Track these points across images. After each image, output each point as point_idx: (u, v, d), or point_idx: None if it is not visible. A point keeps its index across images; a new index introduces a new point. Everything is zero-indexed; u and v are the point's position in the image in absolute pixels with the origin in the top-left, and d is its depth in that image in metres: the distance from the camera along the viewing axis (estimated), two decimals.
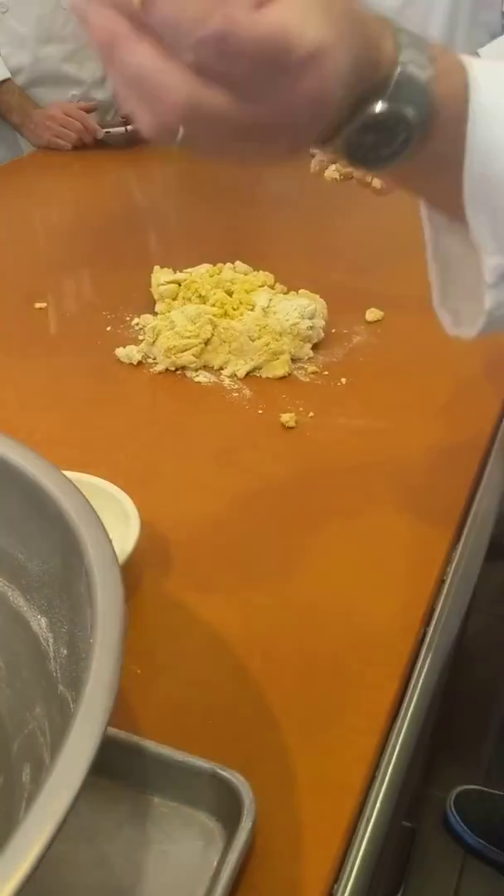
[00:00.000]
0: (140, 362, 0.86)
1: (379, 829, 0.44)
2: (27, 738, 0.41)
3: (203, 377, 0.83)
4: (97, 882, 0.42)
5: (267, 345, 0.82)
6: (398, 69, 0.37)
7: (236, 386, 0.82)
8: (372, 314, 0.92)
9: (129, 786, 0.45)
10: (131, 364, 0.86)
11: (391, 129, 0.38)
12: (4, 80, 1.66)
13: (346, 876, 0.42)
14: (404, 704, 0.51)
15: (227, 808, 0.43)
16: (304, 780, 0.46)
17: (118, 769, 0.45)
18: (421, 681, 0.52)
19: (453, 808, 1.34)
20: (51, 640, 0.42)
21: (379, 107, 0.38)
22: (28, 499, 0.42)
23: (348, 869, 0.42)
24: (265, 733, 0.49)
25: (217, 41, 0.34)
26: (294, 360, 0.84)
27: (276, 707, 0.50)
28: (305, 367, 0.84)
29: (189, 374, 0.84)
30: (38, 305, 0.98)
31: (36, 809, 0.26)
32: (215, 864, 0.42)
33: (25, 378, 0.84)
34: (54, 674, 0.41)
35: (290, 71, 0.35)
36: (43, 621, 0.42)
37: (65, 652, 0.40)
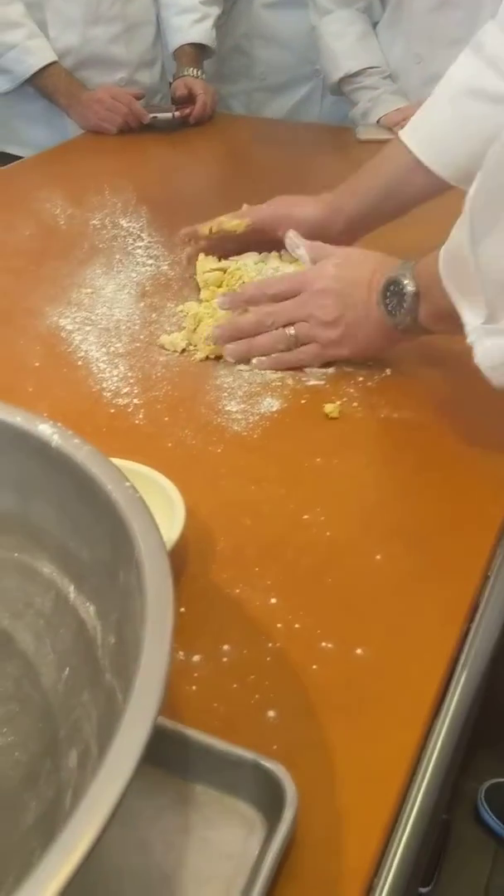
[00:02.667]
0: (184, 350, 0.86)
1: (420, 823, 0.44)
2: (74, 724, 0.41)
3: (243, 366, 0.83)
4: (138, 866, 0.42)
5: None
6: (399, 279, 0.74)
7: (278, 375, 0.82)
8: None
9: (171, 772, 0.46)
10: (175, 351, 0.86)
11: (401, 295, 0.74)
12: (51, 63, 1.67)
13: (386, 869, 0.42)
14: (447, 699, 0.51)
15: (268, 798, 0.43)
16: (344, 772, 0.46)
17: (161, 756, 0.45)
18: (464, 676, 0.52)
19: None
20: (99, 628, 0.42)
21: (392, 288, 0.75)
22: (79, 487, 0.43)
23: (388, 862, 0.42)
24: (306, 724, 0.49)
25: None
26: None
27: (318, 698, 0.50)
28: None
29: (230, 361, 0.84)
30: (85, 291, 0.99)
31: (87, 801, 0.27)
32: (256, 853, 0.42)
33: (68, 365, 0.85)
34: (101, 661, 0.41)
35: None
36: (91, 609, 0.43)
37: (112, 640, 0.41)
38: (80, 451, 0.43)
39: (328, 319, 0.80)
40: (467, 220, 0.64)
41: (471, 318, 0.65)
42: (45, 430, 0.45)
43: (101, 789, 0.27)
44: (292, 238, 0.92)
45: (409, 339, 0.79)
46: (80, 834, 0.26)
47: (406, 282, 0.73)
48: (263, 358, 0.83)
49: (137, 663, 0.32)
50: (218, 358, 0.84)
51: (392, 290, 0.75)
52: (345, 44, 1.69)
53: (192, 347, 0.86)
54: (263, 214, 0.97)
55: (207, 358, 0.84)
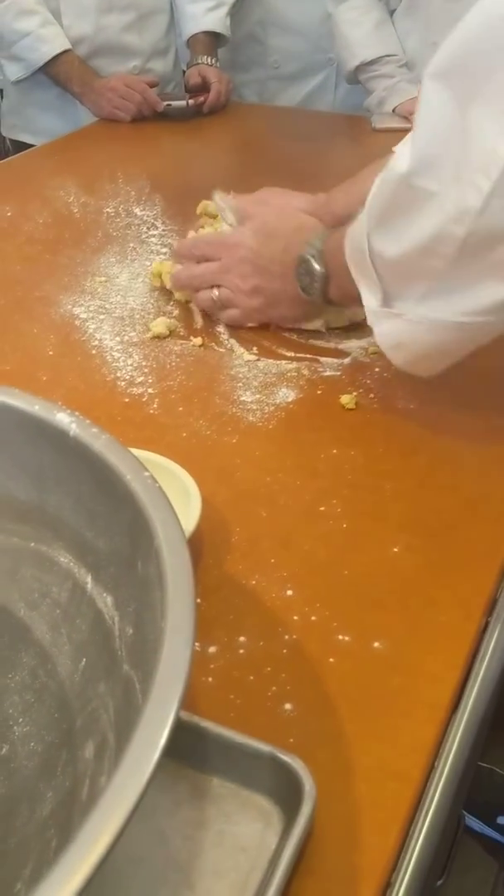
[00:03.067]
0: (171, 333, 0.87)
1: (437, 820, 0.44)
2: (91, 714, 0.41)
3: (252, 355, 0.83)
4: (155, 858, 0.42)
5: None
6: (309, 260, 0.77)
7: (294, 365, 0.81)
8: None
9: (187, 764, 0.45)
10: (160, 337, 0.86)
11: (312, 275, 0.77)
12: (65, 51, 1.66)
13: (404, 865, 0.42)
14: (465, 693, 0.50)
15: (285, 792, 0.43)
16: (361, 767, 0.46)
17: (177, 747, 0.44)
18: (483, 670, 0.52)
19: None
20: (116, 619, 0.42)
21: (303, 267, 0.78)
22: (97, 477, 0.42)
23: (407, 858, 0.42)
24: (323, 717, 0.48)
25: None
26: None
27: (335, 692, 0.50)
28: (366, 347, 0.83)
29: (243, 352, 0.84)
30: (99, 279, 0.98)
31: (108, 797, 0.27)
32: (273, 847, 0.42)
33: (82, 354, 0.84)
34: (119, 652, 0.41)
35: None
36: (109, 599, 0.43)
37: (130, 631, 0.40)
38: (98, 440, 0.43)
39: (247, 288, 0.85)
40: (366, 212, 0.66)
41: (369, 301, 0.68)
42: (64, 419, 0.44)
43: (122, 785, 0.27)
44: (219, 201, 0.95)
45: (332, 308, 0.83)
46: (99, 832, 0.26)
47: (315, 263, 0.77)
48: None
49: (158, 656, 0.32)
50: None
51: (303, 269, 0.78)
52: (361, 32, 1.67)
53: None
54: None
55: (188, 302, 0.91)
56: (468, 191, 0.57)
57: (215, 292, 0.87)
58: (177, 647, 0.32)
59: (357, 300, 0.70)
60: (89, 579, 0.44)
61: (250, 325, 0.87)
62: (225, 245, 0.88)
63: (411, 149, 0.61)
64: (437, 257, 0.60)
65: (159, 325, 0.87)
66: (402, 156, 0.62)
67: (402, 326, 0.66)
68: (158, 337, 0.86)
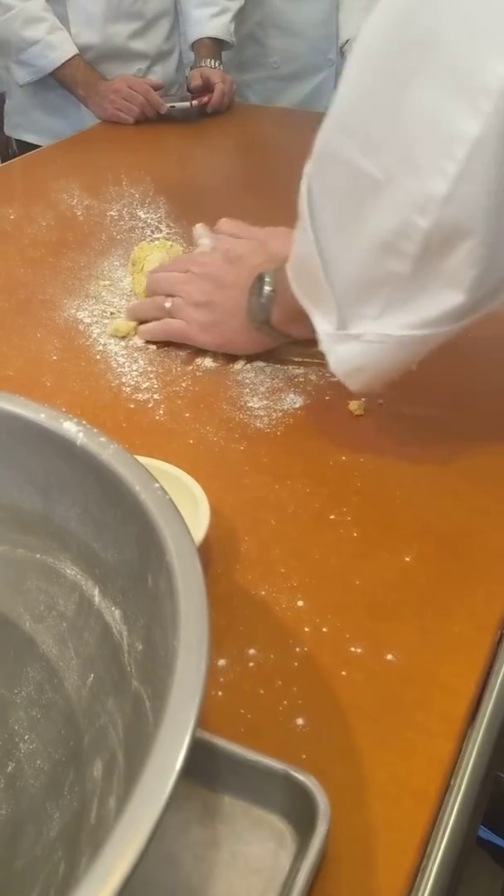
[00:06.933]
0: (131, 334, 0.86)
1: (456, 837, 0.43)
2: (99, 731, 0.40)
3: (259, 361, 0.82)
4: (166, 880, 0.41)
5: None
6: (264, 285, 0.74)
7: (301, 370, 0.80)
8: None
9: (197, 782, 0.44)
10: (122, 337, 0.86)
11: (260, 295, 0.74)
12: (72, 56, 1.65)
13: (422, 887, 0.41)
14: (482, 707, 0.49)
15: (298, 811, 0.42)
16: (376, 783, 0.45)
17: (188, 766, 0.44)
18: (498, 683, 0.51)
19: None
20: (125, 633, 0.41)
21: (256, 286, 0.75)
22: (105, 487, 0.41)
23: (425, 879, 0.41)
24: (336, 732, 0.47)
25: None
26: None
27: (348, 705, 0.49)
28: None
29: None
30: (102, 283, 0.97)
31: (124, 824, 0.25)
32: (287, 867, 0.41)
33: (86, 359, 0.83)
34: (128, 668, 0.40)
35: None
36: (117, 613, 0.41)
37: (140, 646, 0.39)
38: (106, 450, 0.42)
39: (200, 300, 0.82)
40: (308, 227, 0.61)
41: (323, 326, 0.64)
42: (70, 427, 0.43)
43: (138, 811, 0.26)
44: (199, 230, 0.95)
45: (271, 340, 0.79)
46: (116, 859, 0.25)
47: (267, 281, 0.74)
48: (143, 327, 0.86)
49: (172, 673, 0.31)
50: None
51: (256, 287, 0.75)
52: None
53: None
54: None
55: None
56: (429, 176, 0.52)
57: (168, 302, 0.84)
58: (191, 667, 0.30)
59: (301, 324, 0.67)
60: (96, 592, 0.43)
61: (183, 342, 0.84)
62: (195, 261, 0.86)
63: (339, 131, 0.57)
64: (400, 257, 0.56)
65: (122, 326, 0.86)
66: (331, 142, 0.58)
67: (360, 348, 0.62)
68: (122, 336, 0.86)
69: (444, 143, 0.51)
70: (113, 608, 0.42)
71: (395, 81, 0.53)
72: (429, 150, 0.52)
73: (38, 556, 0.46)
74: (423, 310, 0.58)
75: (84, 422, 0.43)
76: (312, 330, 0.65)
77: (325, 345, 0.64)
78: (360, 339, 0.62)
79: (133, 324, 0.87)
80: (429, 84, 0.51)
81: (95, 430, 0.43)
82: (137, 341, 0.85)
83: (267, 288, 0.73)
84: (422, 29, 0.52)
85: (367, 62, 0.55)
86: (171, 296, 0.84)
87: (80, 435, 0.43)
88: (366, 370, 0.64)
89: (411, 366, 0.65)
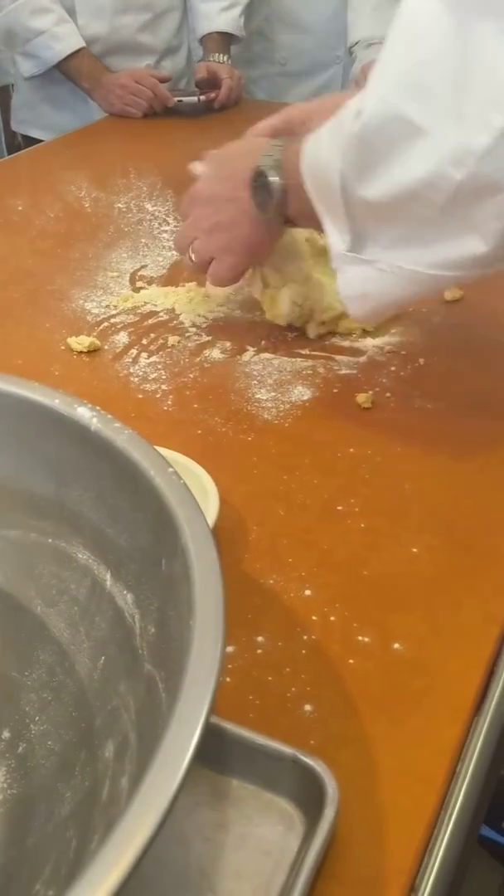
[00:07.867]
0: (96, 349, 0.84)
1: (462, 820, 0.43)
2: (111, 714, 0.40)
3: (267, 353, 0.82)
4: (176, 860, 0.41)
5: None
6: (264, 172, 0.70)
7: (309, 363, 0.80)
8: (451, 293, 0.90)
9: (207, 766, 0.45)
10: (82, 352, 0.83)
11: (268, 189, 0.70)
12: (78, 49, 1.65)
13: (429, 869, 0.41)
14: (489, 695, 0.49)
15: (307, 794, 0.42)
16: (383, 769, 0.45)
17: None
18: None
19: None
20: (137, 617, 0.41)
21: (258, 181, 0.71)
22: (118, 472, 0.41)
23: (432, 862, 0.41)
24: (343, 719, 0.48)
25: None
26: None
27: (355, 693, 0.49)
28: (382, 346, 0.82)
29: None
30: (111, 275, 0.98)
31: (140, 799, 0.26)
32: (295, 850, 0.41)
33: (96, 350, 0.83)
34: (140, 651, 0.40)
35: None
36: (129, 597, 0.42)
37: (152, 630, 0.39)
38: (120, 435, 0.42)
39: (208, 227, 0.79)
40: (334, 145, 0.58)
41: (336, 243, 0.62)
42: (84, 413, 0.44)
43: (153, 789, 0.26)
44: (196, 165, 0.90)
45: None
46: (131, 837, 0.25)
47: (271, 175, 0.69)
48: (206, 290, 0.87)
49: (187, 655, 0.31)
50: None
51: (259, 182, 0.71)
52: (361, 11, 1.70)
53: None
54: None
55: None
56: (473, 127, 0.49)
57: (192, 255, 0.80)
58: (206, 649, 0.31)
59: (317, 221, 0.65)
60: (108, 576, 0.43)
61: (232, 278, 0.80)
62: (189, 195, 0.83)
63: (386, 74, 0.54)
64: (427, 205, 0.54)
65: (81, 342, 0.83)
66: (378, 83, 0.55)
67: (370, 274, 0.61)
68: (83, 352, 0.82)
69: (497, 93, 0.49)
70: (125, 592, 0.42)
71: (458, 18, 0.50)
72: (479, 99, 0.50)
73: (50, 540, 0.47)
74: (442, 251, 0.57)
75: (98, 408, 0.44)
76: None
77: (335, 262, 0.64)
78: (373, 266, 0.61)
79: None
80: (493, 24, 0.48)
81: (109, 416, 0.43)
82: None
83: (273, 180, 0.69)
84: None
85: (430, 5, 0.52)
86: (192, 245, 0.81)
87: (95, 420, 0.43)
88: (370, 298, 0.63)
89: (412, 304, 0.64)
